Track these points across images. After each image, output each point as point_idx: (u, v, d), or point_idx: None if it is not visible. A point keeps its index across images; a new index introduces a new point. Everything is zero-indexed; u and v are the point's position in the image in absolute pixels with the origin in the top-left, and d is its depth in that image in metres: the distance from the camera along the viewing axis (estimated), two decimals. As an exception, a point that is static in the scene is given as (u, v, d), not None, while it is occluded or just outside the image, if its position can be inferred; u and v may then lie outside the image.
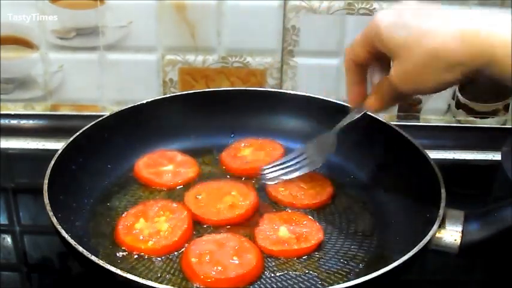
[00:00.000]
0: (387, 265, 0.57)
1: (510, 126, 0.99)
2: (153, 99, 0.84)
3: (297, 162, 0.77)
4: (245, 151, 0.83)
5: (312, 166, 0.76)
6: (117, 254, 0.67)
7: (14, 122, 0.98)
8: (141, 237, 0.68)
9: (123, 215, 0.71)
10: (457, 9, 0.55)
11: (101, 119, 0.79)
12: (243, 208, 0.72)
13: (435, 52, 0.54)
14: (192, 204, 0.73)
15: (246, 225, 0.71)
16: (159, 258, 0.67)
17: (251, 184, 0.77)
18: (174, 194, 0.77)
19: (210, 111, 0.85)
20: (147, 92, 0.96)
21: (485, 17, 0.53)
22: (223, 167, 0.82)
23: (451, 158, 0.95)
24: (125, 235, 0.68)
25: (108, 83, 0.97)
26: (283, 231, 0.69)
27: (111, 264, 0.57)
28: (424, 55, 0.55)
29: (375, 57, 0.62)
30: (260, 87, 0.97)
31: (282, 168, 0.77)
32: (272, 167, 0.78)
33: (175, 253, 0.67)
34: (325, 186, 0.78)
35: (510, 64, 0.50)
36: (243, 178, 0.80)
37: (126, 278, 0.55)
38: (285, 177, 0.76)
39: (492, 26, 0.52)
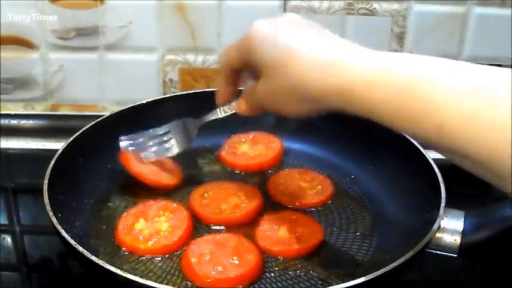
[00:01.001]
0: (387, 265, 0.57)
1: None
2: (153, 99, 0.84)
3: (158, 143, 0.75)
4: (243, 147, 0.84)
5: (168, 152, 0.75)
6: (117, 254, 0.67)
7: (14, 122, 0.98)
8: (141, 237, 0.68)
9: (123, 215, 0.71)
10: (334, 41, 0.53)
11: (101, 119, 0.80)
12: (245, 210, 0.72)
13: (296, 83, 0.52)
14: (196, 203, 0.73)
15: (246, 225, 0.71)
16: (159, 258, 0.67)
17: (258, 187, 0.77)
18: (174, 194, 0.77)
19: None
20: (147, 92, 0.96)
21: (349, 50, 0.51)
22: (228, 166, 0.82)
23: (451, 158, 0.95)
24: (125, 235, 0.68)
25: (108, 83, 0.97)
26: (283, 231, 0.69)
27: (111, 264, 0.57)
28: (287, 83, 0.53)
29: (248, 65, 0.60)
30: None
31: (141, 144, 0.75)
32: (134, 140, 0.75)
33: (175, 253, 0.67)
34: (325, 186, 0.78)
35: (368, 103, 0.48)
36: (241, 172, 0.81)
37: (126, 278, 0.55)
38: (142, 155, 0.74)
39: (351, 64, 0.49)
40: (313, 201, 0.75)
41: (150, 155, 0.75)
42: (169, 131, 0.76)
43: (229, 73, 0.64)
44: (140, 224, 0.69)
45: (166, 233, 0.68)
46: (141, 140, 0.75)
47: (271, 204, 0.75)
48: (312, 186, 0.77)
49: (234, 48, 0.60)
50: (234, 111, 0.67)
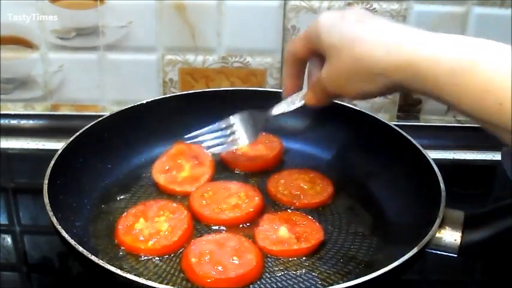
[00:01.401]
0: (387, 265, 0.57)
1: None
2: (153, 99, 0.84)
3: (227, 135, 0.76)
4: (243, 147, 0.84)
5: (234, 144, 0.76)
6: (117, 254, 0.67)
7: (14, 122, 0.98)
8: (141, 237, 0.68)
9: (123, 215, 0.71)
10: (400, 26, 0.56)
11: (101, 119, 0.79)
12: (245, 210, 0.72)
13: (361, 59, 0.55)
14: (196, 203, 0.73)
15: (246, 225, 0.71)
16: (159, 258, 0.67)
17: (258, 187, 0.77)
18: (175, 194, 0.77)
19: (210, 111, 0.85)
20: (147, 92, 0.96)
21: (413, 32, 0.53)
22: (228, 166, 0.82)
23: (451, 158, 0.95)
24: (125, 235, 0.68)
25: (108, 83, 0.97)
26: (283, 231, 0.69)
27: (111, 264, 0.57)
28: (351, 60, 0.56)
29: (313, 54, 0.62)
30: (260, 87, 0.97)
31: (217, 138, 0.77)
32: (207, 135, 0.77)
33: (175, 253, 0.67)
34: (325, 186, 0.78)
35: (433, 78, 0.50)
36: (241, 172, 0.81)
37: (126, 278, 0.55)
38: (218, 151, 0.76)
39: (417, 43, 0.52)
40: (313, 201, 0.75)
41: (216, 149, 0.76)
42: (233, 124, 0.76)
43: (293, 62, 0.66)
44: (140, 224, 0.69)
45: (166, 233, 0.68)
46: (205, 134, 0.76)
47: (271, 204, 0.75)
48: (312, 186, 0.77)
49: (301, 37, 0.63)
50: (302, 104, 0.67)
